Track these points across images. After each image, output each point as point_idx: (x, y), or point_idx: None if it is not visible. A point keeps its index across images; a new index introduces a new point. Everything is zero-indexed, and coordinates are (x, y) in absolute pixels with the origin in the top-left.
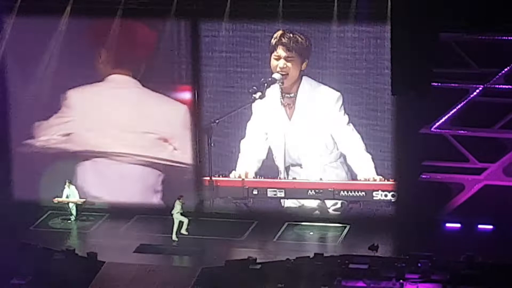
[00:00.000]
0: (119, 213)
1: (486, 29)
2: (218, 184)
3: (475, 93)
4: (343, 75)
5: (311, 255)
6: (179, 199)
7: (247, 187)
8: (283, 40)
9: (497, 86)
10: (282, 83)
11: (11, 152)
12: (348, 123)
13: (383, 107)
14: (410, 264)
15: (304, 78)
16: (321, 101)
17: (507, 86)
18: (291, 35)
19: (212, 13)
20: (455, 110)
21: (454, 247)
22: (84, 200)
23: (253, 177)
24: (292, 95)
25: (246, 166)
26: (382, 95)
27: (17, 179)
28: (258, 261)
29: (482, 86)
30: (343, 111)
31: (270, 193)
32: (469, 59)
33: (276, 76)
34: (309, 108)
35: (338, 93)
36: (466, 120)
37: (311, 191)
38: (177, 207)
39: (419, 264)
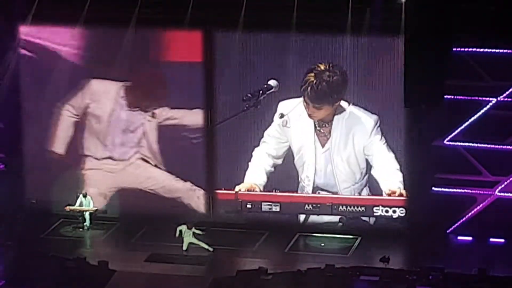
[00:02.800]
0: (131, 222)
1: (500, 42)
2: (213, 197)
3: (488, 106)
4: (356, 87)
5: (322, 266)
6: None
7: (240, 200)
8: (312, 93)
9: (510, 99)
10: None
11: (24, 158)
12: (384, 144)
13: (396, 120)
14: (422, 277)
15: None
16: (358, 127)
17: None
18: (325, 83)
19: (226, 23)
20: (468, 123)
21: (466, 260)
22: (96, 208)
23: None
24: (327, 124)
25: (253, 179)
26: (395, 108)
27: (29, 187)
28: (269, 271)
29: (495, 99)
30: (380, 134)
31: (264, 207)
32: (482, 72)
33: (272, 82)
34: (344, 134)
35: (376, 117)
36: (479, 133)
37: (308, 206)
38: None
39: (431, 277)
